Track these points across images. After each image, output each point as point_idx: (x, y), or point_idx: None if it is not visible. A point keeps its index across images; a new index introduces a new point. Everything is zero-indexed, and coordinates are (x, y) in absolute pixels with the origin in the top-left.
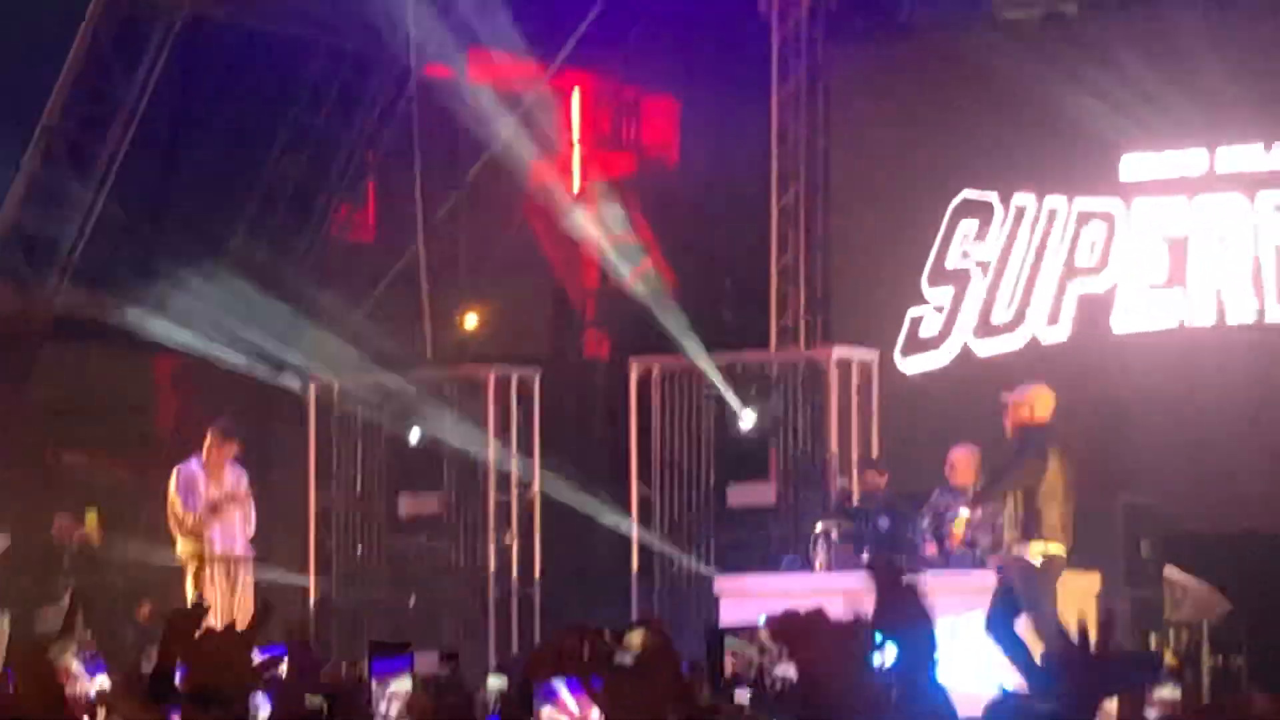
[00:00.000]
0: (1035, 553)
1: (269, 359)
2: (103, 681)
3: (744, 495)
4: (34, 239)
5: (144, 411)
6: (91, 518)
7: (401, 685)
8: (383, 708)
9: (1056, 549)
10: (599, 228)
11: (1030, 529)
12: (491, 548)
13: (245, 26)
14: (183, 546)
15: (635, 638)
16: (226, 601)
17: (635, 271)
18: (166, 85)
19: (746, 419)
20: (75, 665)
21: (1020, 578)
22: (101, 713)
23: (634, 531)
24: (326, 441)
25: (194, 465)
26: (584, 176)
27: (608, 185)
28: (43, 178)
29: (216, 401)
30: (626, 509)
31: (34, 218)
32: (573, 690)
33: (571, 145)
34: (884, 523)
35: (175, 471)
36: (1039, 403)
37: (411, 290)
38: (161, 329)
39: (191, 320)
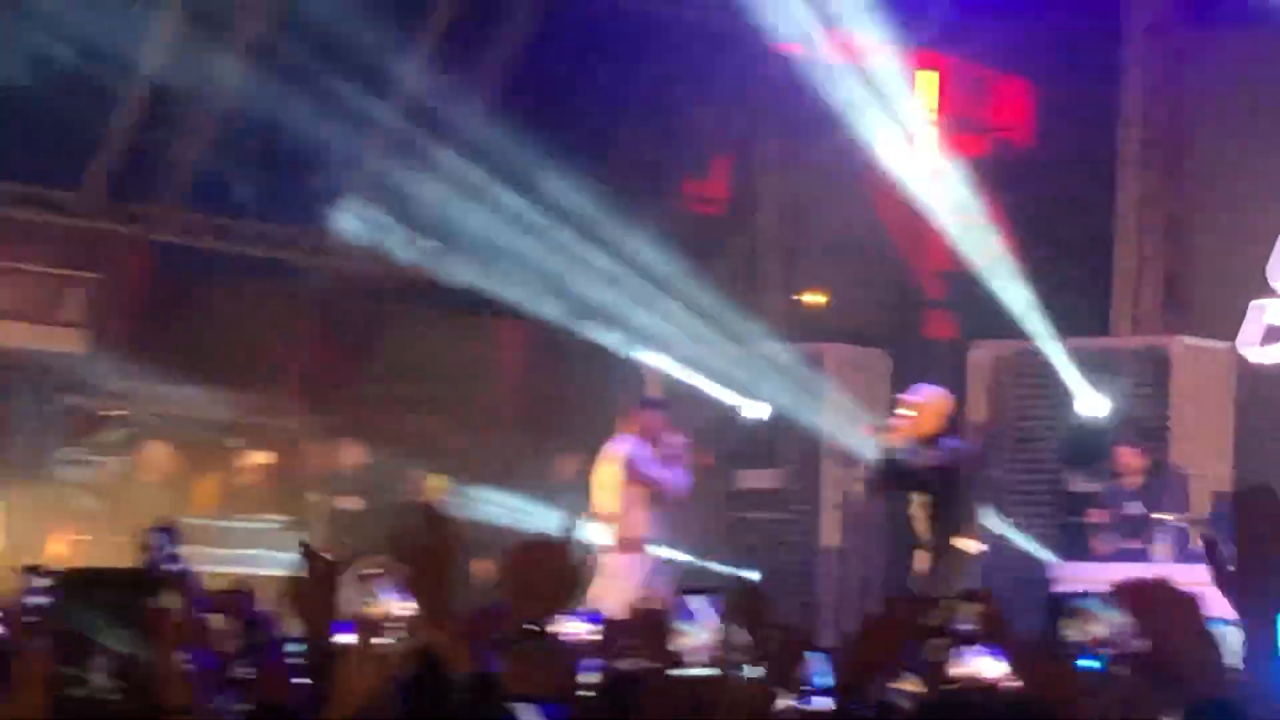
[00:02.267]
0: None
1: (614, 329)
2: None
3: (1082, 483)
4: (393, 206)
5: (487, 375)
6: (436, 482)
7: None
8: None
9: None
10: (948, 208)
11: None
12: (826, 525)
13: (605, 4)
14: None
15: (972, 607)
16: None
17: (983, 253)
18: (524, 62)
19: (1091, 405)
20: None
21: None
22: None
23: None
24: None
25: (635, 445)
26: (934, 156)
27: (958, 165)
28: (400, 143)
29: (559, 369)
30: None
31: (390, 183)
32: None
33: (923, 125)
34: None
35: (617, 454)
36: None
37: (758, 265)
38: (509, 294)
39: (539, 287)
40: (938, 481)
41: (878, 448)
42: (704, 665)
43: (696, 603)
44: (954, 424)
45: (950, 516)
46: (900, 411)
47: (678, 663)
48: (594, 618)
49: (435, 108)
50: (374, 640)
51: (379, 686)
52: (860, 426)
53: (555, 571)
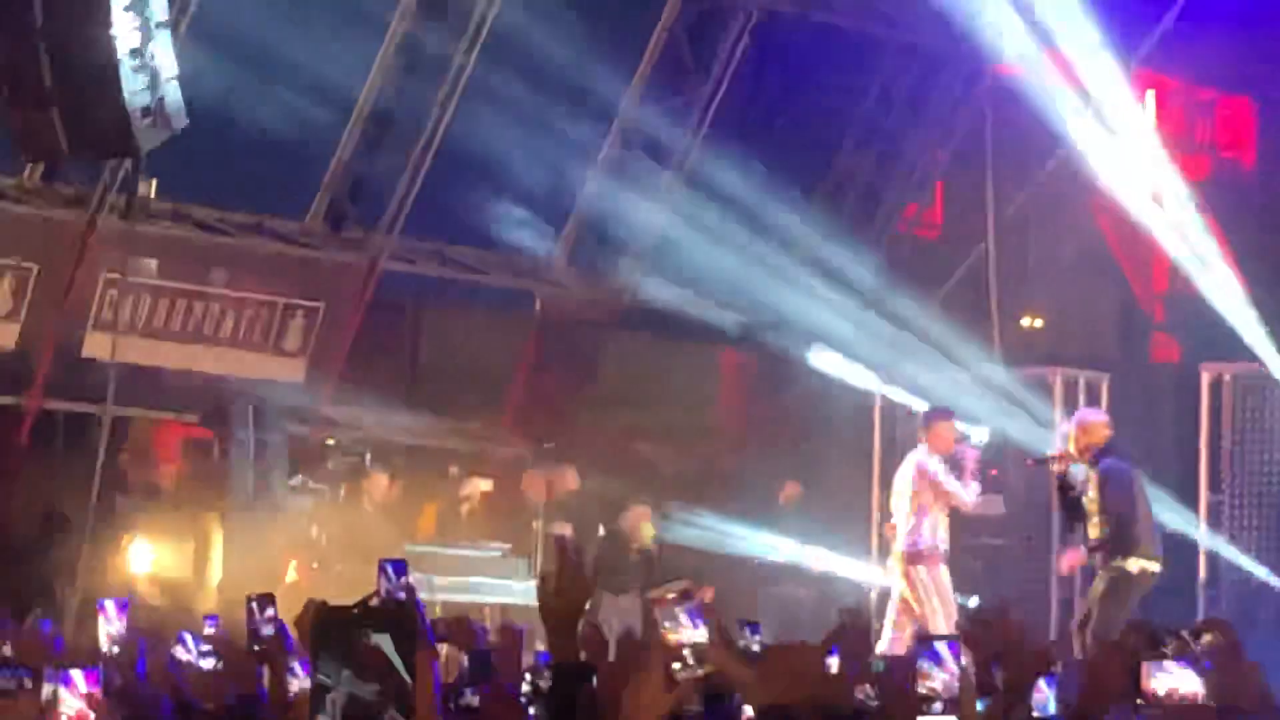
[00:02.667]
0: None
1: (835, 355)
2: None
3: None
4: (609, 232)
5: (708, 402)
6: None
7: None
8: None
9: None
10: (1171, 230)
11: None
12: (1054, 551)
13: (818, 23)
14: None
15: (1206, 638)
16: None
17: (1207, 276)
18: (740, 81)
19: None
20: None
21: None
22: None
23: (1202, 538)
24: (890, 440)
25: (926, 455)
26: (1158, 178)
27: (1181, 187)
28: (619, 170)
29: (781, 396)
30: (1195, 515)
31: (609, 210)
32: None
33: (1146, 146)
34: None
35: (910, 462)
36: None
37: (978, 289)
38: (729, 322)
39: (759, 315)
40: (1096, 501)
41: (1052, 477)
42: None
43: (940, 645)
44: (1111, 445)
45: (1121, 538)
46: (1060, 439)
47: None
48: None
49: (652, 133)
50: (673, 666)
51: (673, 713)
52: (1025, 460)
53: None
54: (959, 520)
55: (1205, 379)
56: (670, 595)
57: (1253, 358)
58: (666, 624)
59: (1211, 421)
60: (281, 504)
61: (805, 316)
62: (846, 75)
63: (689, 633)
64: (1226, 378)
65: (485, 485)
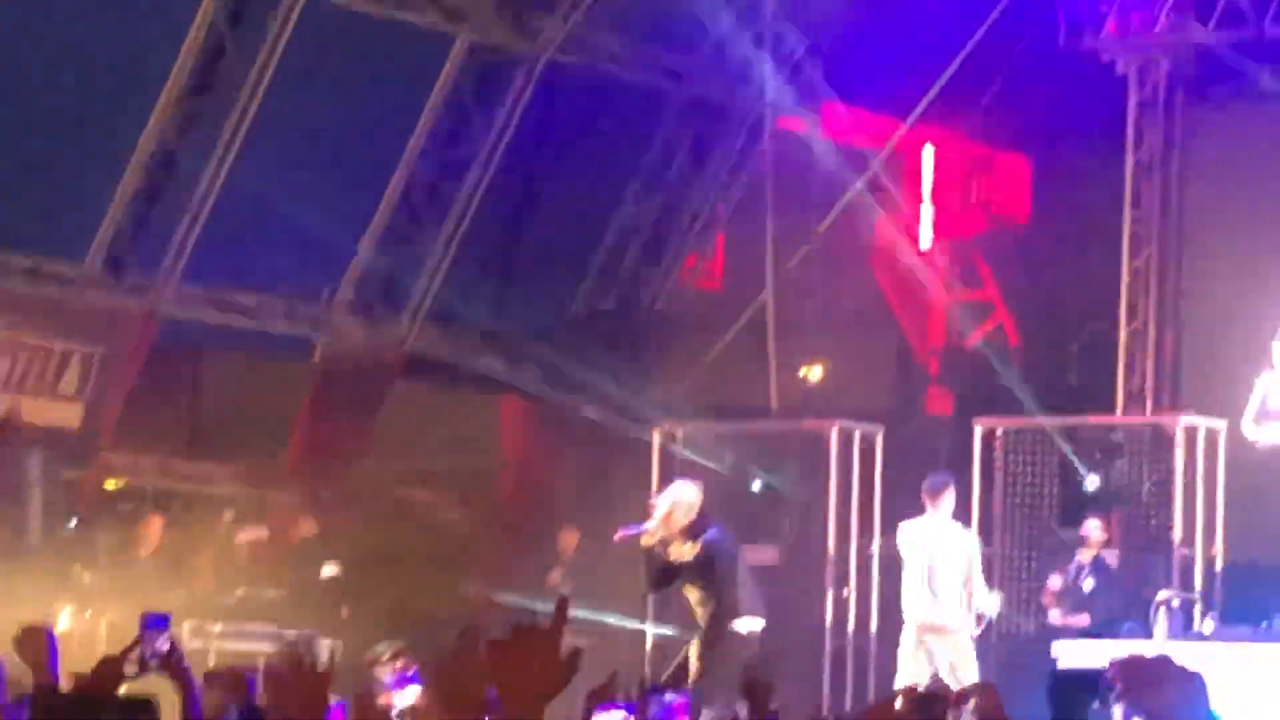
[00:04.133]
0: None
1: (614, 405)
2: (414, 693)
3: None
4: (389, 280)
5: (488, 451)
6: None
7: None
8: None
9: None
10: (946, 285)
11: None
12: (829, 601)
13: (602, 75)
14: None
15: (972, 703)
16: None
17: (981, 330)
18: (523, 132)
19: (1091, 482)
20: (386, 677)
21: None
22: None
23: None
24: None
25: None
26: (933, 233)
27: (957, 242)
28: (399, 220)
29: (559, 444)
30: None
31: (389, 259)
32: None
33: (921, 201)
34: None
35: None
36: None
37: (757, 341)
38: (508, 372)
39: (538, 364)
40: (699, 572)
41: (643, 549)
42: None
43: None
44: (705, 515)
45: (723, 602)
46: (653, 512)
47: None
48: (630, 707)
49: (435, 183)
50: None
51: None
52: (616, 531)
53: (542, 662)
54: None
55: (978, 432)
56: (384, 658)
57: (1024, 412)
58: (379, 686)
59: (984, 474)
60: (56, 550)
61: (588, 367)
62: (630, 127)
63: (399, 695)
64: (999, 431)
65: (261, 532)
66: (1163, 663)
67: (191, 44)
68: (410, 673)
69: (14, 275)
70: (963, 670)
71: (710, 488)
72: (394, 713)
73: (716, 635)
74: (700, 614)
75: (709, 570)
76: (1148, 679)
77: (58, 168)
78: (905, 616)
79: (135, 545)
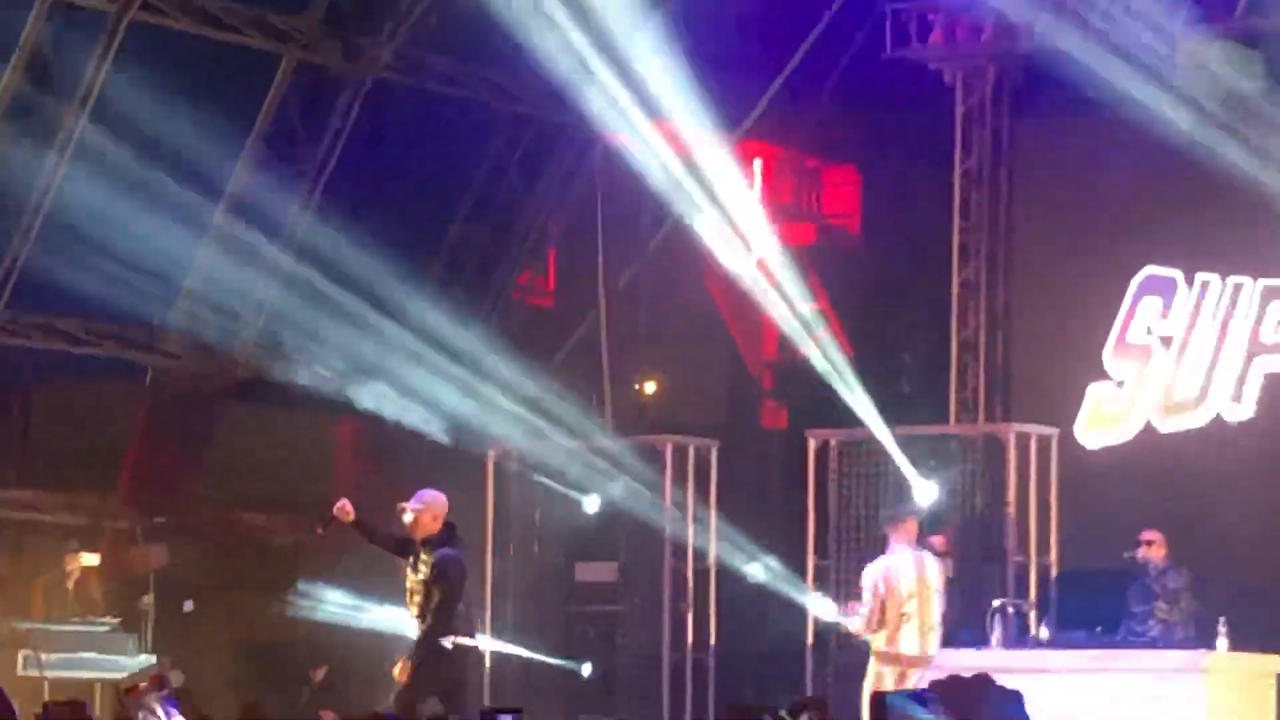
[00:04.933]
0: None
1: (449, 424)
2: None
3: None
4: (220, 304)
5: (323, 474)
6: None
7: None
8: None
9: None
10: (778, 298)
11: None
12: (666, 617)
13: (431, 94)
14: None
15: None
16: None
17: (814, 343)
18: (351, 151)
19: (924, 492)
20: (157, 707)
21: None
22: None
23: (810, 603)
24: (504, 508)
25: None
26: (764, 246)
27: (788, 254)
28: (230, 242)
29: (395, 465)
30: (803, 580)
31: (220, 282)
32: None
33: (752, 214)
34: None
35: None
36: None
37: (591, 358)
38: (343, 392)
39: (372, 384)
40: (424, 585)
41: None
42: None
43: None
44: (451, 532)
45: (436, 622)
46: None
47: None
48: None
49: (264, 203)
50: None
51: None
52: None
53: None
54: (573, 588)
55: (812, 445)
56: (142, 685)
57: (858, 423)
58: (139, 715)
59: (818, 487)
60: None
61: (422, 388)
62: (461, 144)
63: None
64: (832, 443)
65: (91, 560)
66: (981, 682)
67: (16, 65)
68: (173, 700)
69: None
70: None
71: (546, 506)
72: None
73: (423, 651)
74: (416, 625)
75: (432, 586)
76: (967, 698)
77: None
78: (887, 651)
79: None
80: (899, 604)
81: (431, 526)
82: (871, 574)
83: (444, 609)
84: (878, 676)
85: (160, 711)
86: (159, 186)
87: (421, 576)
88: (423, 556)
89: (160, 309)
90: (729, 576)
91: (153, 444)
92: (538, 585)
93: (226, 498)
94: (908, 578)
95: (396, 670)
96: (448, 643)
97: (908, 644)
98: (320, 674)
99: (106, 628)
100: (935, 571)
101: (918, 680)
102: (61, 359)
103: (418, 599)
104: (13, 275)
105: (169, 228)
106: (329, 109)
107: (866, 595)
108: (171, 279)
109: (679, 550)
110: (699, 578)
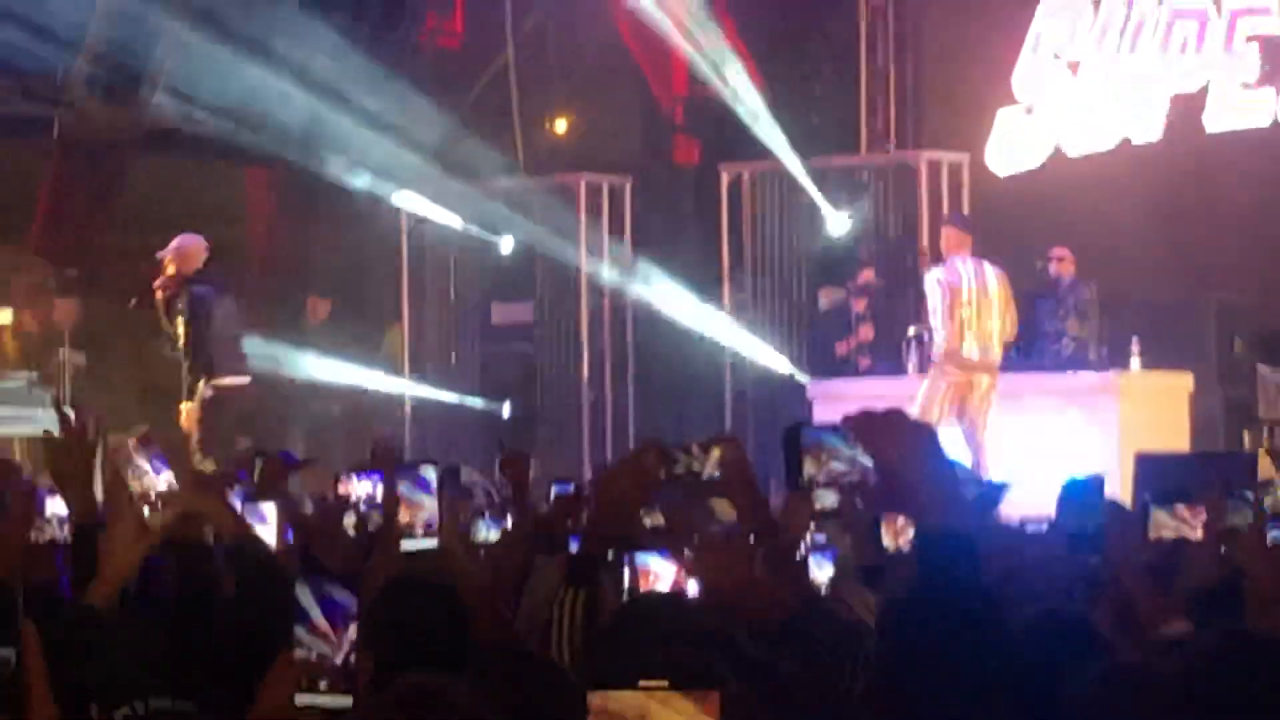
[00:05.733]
0: None
1: (360, 171)
2: (168, 479)
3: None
4: (122, 56)
5: (236, 222)
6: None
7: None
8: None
9: None
10: (687, 32)
11: None
12: (586, 355)
13: None
14: None
15: (714, 453)
16: None
17: (726, 76)
18: None
19: (837, 223)
20: (144, 463)
21: None
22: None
23: (726, 338)
24: (419, 253)
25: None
26: None
27: None
28: None
29: (305, 213)
30: (721, 312)
31: (121, 34)
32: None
33: None
34: None
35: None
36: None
37: (501, 99)
38: (251, 139)
39: (281, 132)
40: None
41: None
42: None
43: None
44: (206, 270)
45: (198, 357)
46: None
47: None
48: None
49: None
50: (143, 512)
51: (143, 561)
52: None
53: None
54: (489, 329)
55: (725, 178)
56: (131, 441)
57: (770, 157)
58: (130, 471)
59: (731, 220)
60: None
61: (333, 135)
62: None
63: (151, 479)
64: (745, 176)
65: (8, 315)
66: (895, 415)
67: None
68: (160, 455)
69: None
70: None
71: (460, 248)
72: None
73: (192, 390)
74: (183, 367)
75: (190, 325)
76: (880, 431)
77: None
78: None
79: None
80: (958, 309)
81: (187, 269)
82: (932, 276)
83: (196, 349)
84: (933, 378)
85: (148, 466)
86: None
87: (183, 321)
88: (181, 297)
89: (66, 61)
90: (644, 313)
91: (61, 197)
92: (456, 328)
93: (136, 249)
94: (967, 285)
95: (183, 419)
96: (208, 389)
97: (969, 349)
98: None
99: (22, 383)
100: (995, 281)
101: (987, 388)
102: None
103: (181, 346)
104: None
105: None
106: None
107: (932, 297)
108: (77, 30)
109: (595, 289)
110: (615, 314)
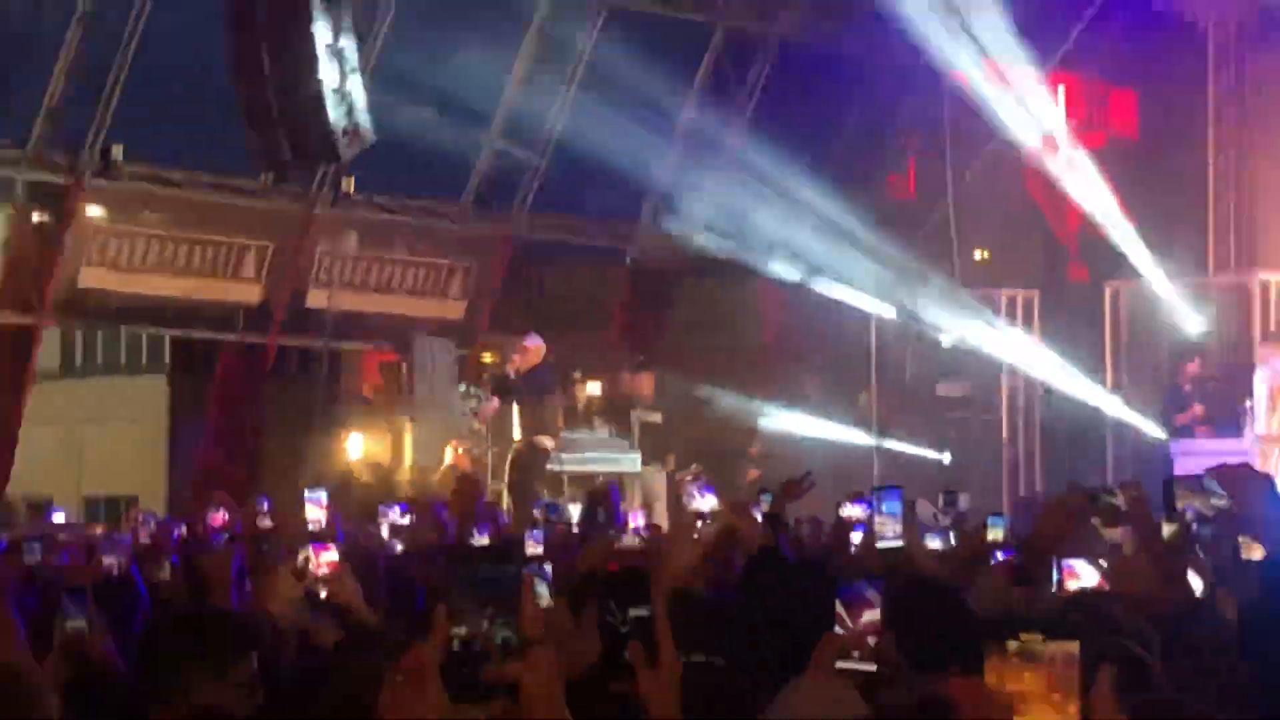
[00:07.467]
0: None
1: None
2: (712, 502)
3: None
4: (672, 204)
5: (754, 329)
6: None
7: None
8: None
9: None
10: (1080, 186)
11: None
12: (1005, 420)
13: (824, 50)
14: None
15: (1122, 493)
16: None
17: (1106, 217)
18: (770, 93)
19: (1192, 327)
20: (690, 487)
21: None
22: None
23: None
24: (883, 344)
25: None
26: (1068, 149)
27: (1085, 156)
28: (685, 152)
29: (804, 317)
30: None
31: (679, 183)
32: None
33: (1058, 127)
34: None
35: None
36: None
37: (943, 234)
38: (771, 266)
39: (788, 257)
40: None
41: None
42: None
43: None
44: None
45: (531, 420)
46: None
47: None
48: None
49: (708, 131)
50: (697, 526)
51: (698, 561)
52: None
53: None
54: (935, 399)
55: (1107, 292)
56: (689, 477)
57: (1138, 275)
58: (685, 498)
59: (1112, 322)
60: (450, 406)
61: (823, 259)
62: (846, 85)
63: (699, 502)
64: (1121, 290)
65: (595, 388)
66: (1244, 467)
67: None
68: (708, 485)
69: (413, 214)
70: None
71: (914, 340)
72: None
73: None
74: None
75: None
76: (1235, 479)
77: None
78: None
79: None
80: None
81: (533, 361)
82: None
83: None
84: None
85: (695, 492)
86: (634, 119)
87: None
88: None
89: (634, 207)
90: (1049, 390)
91: (630, 310)
92: (911, 398)
93: (687, 344)
94: None
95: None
96: (540, 441)
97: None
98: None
99: (606, 435)
100: None
101: None
102: (566, 247)
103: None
104: (532, 187)
105: (645, 148)
106: (750, 58)
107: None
108: (642, 183)
109: (1012, 371)
110: (1027, 390)
